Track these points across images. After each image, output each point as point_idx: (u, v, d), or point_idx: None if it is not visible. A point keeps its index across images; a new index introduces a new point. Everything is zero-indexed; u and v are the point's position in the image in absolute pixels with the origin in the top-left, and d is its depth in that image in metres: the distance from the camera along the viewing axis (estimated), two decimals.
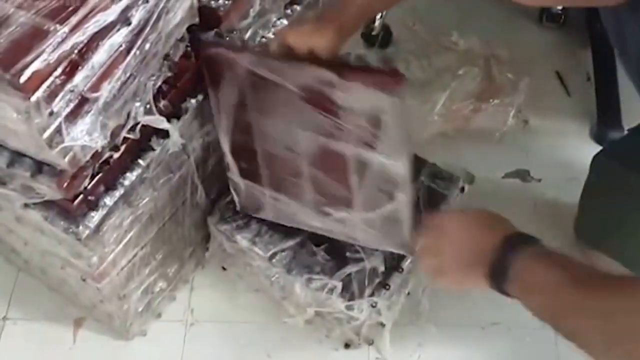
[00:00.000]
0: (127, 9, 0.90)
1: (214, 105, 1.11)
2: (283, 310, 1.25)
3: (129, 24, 0.90)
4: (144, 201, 1.10)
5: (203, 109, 1.13)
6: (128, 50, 0.92)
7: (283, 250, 1.20)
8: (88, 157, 0.95)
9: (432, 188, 1.24)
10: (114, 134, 0.98)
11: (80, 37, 0.85)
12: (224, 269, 1.35)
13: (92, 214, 1.02)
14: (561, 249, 0.84)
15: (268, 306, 1.29)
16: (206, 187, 1.23)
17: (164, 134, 1.07)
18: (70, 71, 0.85)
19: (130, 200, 1.07)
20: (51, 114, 0.85)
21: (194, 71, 1.10)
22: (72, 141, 0.90)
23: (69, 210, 1.01)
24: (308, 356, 1.27)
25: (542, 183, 1.48)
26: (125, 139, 1.01)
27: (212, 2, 1.06)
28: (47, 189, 0.96)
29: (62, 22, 0.85)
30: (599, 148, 1.46)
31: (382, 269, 1.17)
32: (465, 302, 1.30)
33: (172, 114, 1.08)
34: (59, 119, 0.87)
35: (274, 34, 1.21)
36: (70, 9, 0.86)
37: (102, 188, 1.03)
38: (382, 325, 1.21)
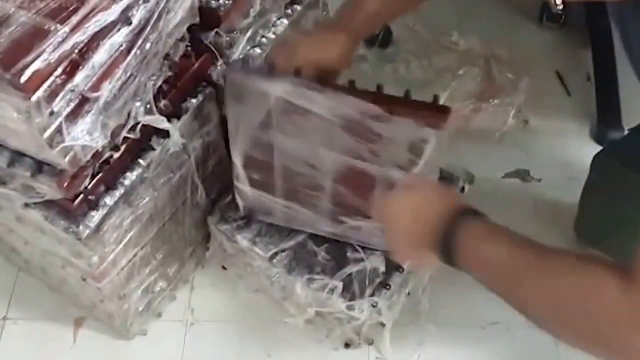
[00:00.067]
0: (128, 8, 0.90)
1: (232, 126, 1.09)
2: (283, 310, 1.25)
3: (130, 23, 0.91)
4: (144, 201, 1.10)
5: (203, 109, 1.13)
6: (128, 50, 0.92)
7: (283, 250, 1.20)
8: (88, 157, 0.95)
9: None
10: (115, 134, 0.98)
11: (81, 36, 0.85)
12: (224, 268, 1.35)
13: (93, 213, 1.03)
14: None
15: (268, 306, 1.29)
16: (206, 187, 1.23)
17: (164, 133, 1.07)
18: (71, 71, 0.85)
19: (130, 200, 1.07)
20: (51, 113, 0.85)
21: (194, 71, 1.10)
22: (72, 141, 0.90)
23: (69, 209, 1.01)
24: (308, 356, 1.27)
25: (542, 183, 1.48)
26: (125, 138, 1.01)
27: (213, 2, 1.06)
28: (47, 188, 0.96)
29: (62, 21, 0.85)
30: (599, 148, 1.46)
31: (382, 268, 1.18)
32: (465, 302, 1.30)
33: (173, 114, 1.08)
34: (60, 119, 0.87)
35: (274, 33, 1.21)
36: (71, 8, 0.86)
37: (102, 188, 1.03)
38: (383, 325, 1.21)
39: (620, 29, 1.04)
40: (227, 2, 1.07)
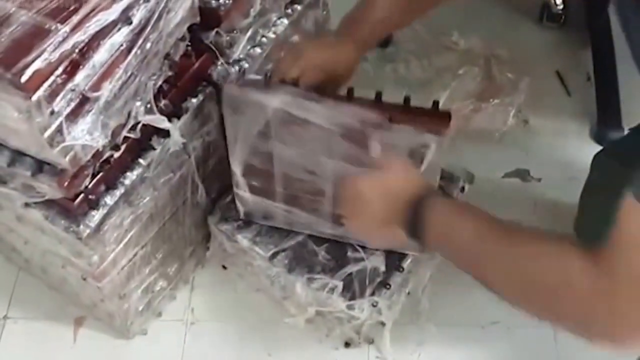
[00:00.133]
0: (128, 8, 0.90)
1: (230, 136, 1.10)
2: (284, 310, 1.25)
3: (130, 23, 0.91)
4: (145, 200, 1.10)
5: (203, 109, 1.13)
6: (129, 50, 0.92)
7: (284, 250, 1.20)
8: (89, 157, 0.95)
9: None
10: (115, 133, 0.98)
11: (82, 36, 0.85)
12: (224, 268, 1.35)
13: (93, 213, 1.03)
14: None
15: (269, 306, 1.29)
16: (207, 187, 1.23)
17: (165, 133, 1.07)
18: (71, 70, 0.86)
19: (130, 200, 1.07)
20: (52, 113, 0.85)
21: (194, 70, 1.10)
22: (73, 140, 0.90)
23: (69, 209, 1.01)
24: (308, 355, 1.27)
25: (542, 183, 1.48)
26: (125, 138, 1.01)
27: (213, 2, 1.06)
28: (47, 188, 0.96)
29: (63, 21, 0.85)
30: (599, 148, 1.45)
31: (382, 268, 1.18)
32: (465, 302, 1.30)
33: (173, 114, 1.08)
34: (60, 118, 0.87)
35: (274, 33, 1.21)
36: (72, 8, 0.86)
37: (102, 187, 1.03)
38: (383, 324, 1.21)
39: (623, 27, 1.04)
40: (227, 1, 1.07)
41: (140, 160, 1.07)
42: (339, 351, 1.27)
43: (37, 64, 0.81)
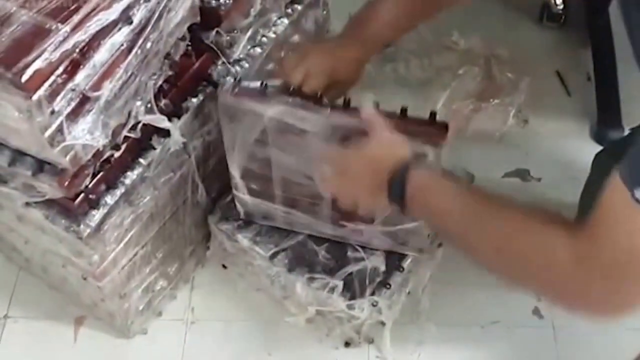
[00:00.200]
0: (129, 8, 0.90)
1: (227, 142, 1.10)
2: (284, 309, 1.26)
3: (131, 22, 0.91)
4: (145, 200, 1.10)
5: (204, 108, 1.13)
6: (129, 49, 0.92)
7: (284, 250, 1.20)
8: (89, 156, 0.95)
9: None
10: (115, 133, 0.98)
11: (82, 36, 0.85)
12: (224, 267, 1.35)
13: (93, 212, 1.03)
14: None
15: (269, 305, 1.29)
16: (207, 186, 1.23)
17: (165, 133, 1.07)
18: (72, 70, 0.86)
19: (131, 199, 1.08)
20: (52, 112, 0.85)
21: (194, 70, 1.10)
22: (73, 140, 0.90)
23: (70, 208, 1.01)
24: (309, 355, 1.27)
25: (542, 183, 1.48)
26: (126, 137, 1.01)
27: (213, 1, 1.06)
28: (48, 187, 0.96)
29: (63, 21, 0.85)
30: (599, 148, 1.46)
31: (382, 268, 1.18)
32: (465, 301, 1.30)
33: (173, 113, 1.08)
34: (61, 118, 0.87)
35: (274, 33, 1.21)
36: (72, 7, 0.86)
37: (103, 187, 1.03)
38: (383, 324, 1.21)
39: (625, 23, 1.04)
40: (227, 1, 1.07)
41: (141, 160, 1.07)
42: (339, 351, 1.27)
43: (38, 64, 0.82)
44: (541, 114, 1.57)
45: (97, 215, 1.03)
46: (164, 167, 1.11)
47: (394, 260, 1.19)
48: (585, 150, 1.39)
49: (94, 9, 0.87)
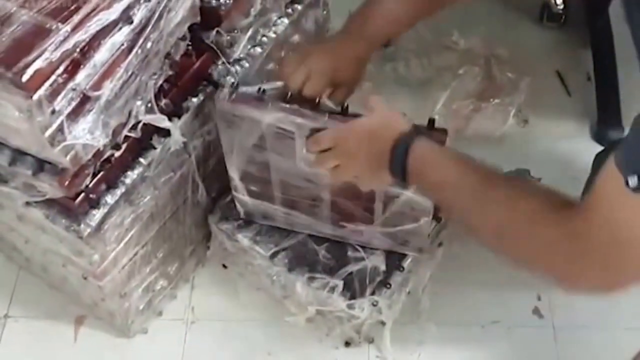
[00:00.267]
0: (129, 7, 0.90)
1: (225, 146, 1.10)
2: (284, 309, 1.26)
3: (131, 22, 0.91)
4: (145, 199, 1.10)
5: (204, 108, 1.13)
6: (130, 49, 0.92)
7: (284, 249, 1.21)
8: (89, 156, 0.95)
9: None
10: (116, 133, 0.98)
11: (82, 35, 0.85)
12: (224, 267, 1.35)
13: (94, 212, 1.03)
14: None
15: (269, 305, 1.30)
16: (207, 186, 1.23)
17: (165, 132, 1.07)
18: (72, 70, 0.86)
19: (131, 199, 1.08)
20: (53, 112, 0.85)
21: (195, 70, 1.10)
22: (73, 139, 0.90)
23: (70, 208, 1.01)
24: (309, 354, 1.27)
25: (542, 182, 1.48)
26: (126, 137, 1.01)
27: (214, 1, 1.06)
28: (48, 187, 0.96)
29: (64, 20, 0.85)
30: (599, 148, 1.46)
31: (383, 267, 1.18)
32: (466, 301, 1.30)
33: (173, 113, 1.08)
34: (61, 118, 0.87)
35: (274, 32, 1.21)
36: (72, 7, 0.86)
37: (103, 186, 1.03)
38: (383, 323, 1.21)
39: (628, 21, 1.04)
40: (227, 1, 1.07)
41: (141, 160, 1.07)
42: (339, 350, 1.27)
43: (38, 64, 0.82)
44: (541, 114, 1.57)
45: (97, 214, 1.03)
46: (164, 166, 1.11)
47: (394, 259, 1.19)
48: (585, 150, 1.40)
49: (94, 9, 0.87)
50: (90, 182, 1.00)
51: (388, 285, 1.16)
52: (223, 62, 1.13)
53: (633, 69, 1.19)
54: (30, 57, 0.81)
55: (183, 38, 1.03)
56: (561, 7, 1.71)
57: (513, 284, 1.31)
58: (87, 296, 1.24)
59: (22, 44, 0.83)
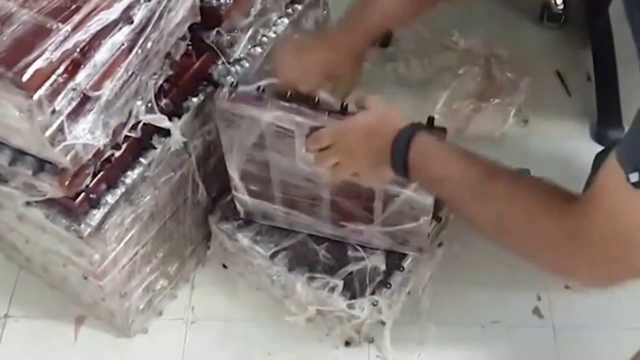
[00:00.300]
0: (129, 7, 0.90)
1: (225, 145, 1.10)
2: (284, 309, 1.26)
3: (131, 22, 0.91)
4: (145, 199, 1.10)
5: (204, 108, 1.13)
6: (130, 49, 0.92)
7: (284, 249, 1.21)
8: (90, 156, 0.95)
9: None
10: (116, 132, 0.98)
11: (83, 35, 0.85)
12: (224, 267, 1.35)
13: (94, 212, 1.03)
14: None
15: (269, 304, 1.30)
16: (207, 186, 1.23)
17: (166, 132, 1.08)
18: (73, 69, 0.86)
19: (131, 199, 1.08)
20: (53, 112, 0.85)
21: (195, 70, 1.10)
22: (74, 139, 0.90)
23: (70, 208, 1.01)
24: (309, 354, 1.27)
25: None
26: (126, 137, 1.01)
27: (214, 1, 1.06)
28: (48, 187, 0.96)
29: (64, 20, 0.85)
30: (599, 148, 1.46)
31: (383, 267, 1.18)
32: (466, 301, 1.30)
33: (174, 113, 1.08)
34: (61, 117, 0.87)
35: (274, 32, 1.21)
36: (73, 7, 0.87)
37: (103, 186, 1.03)
38: (383, 323, 1.21)
39: (629, 19, 1.04)
40: (228, 1, 1.07)
41: (141, 159, 1.07)
42: (339, 350, 1.27)
43: (39, 63, 0.82)
44: (541, 114, 1.57)
45: (97, 214, 1.03)
46: (164, 166, 1.11)
47: (394, 259, 1.19)
48: (585, 150, 1.40)
49: (94, 9, 0.87)
50: (91, 182, 1.00)
51: (388, 285, 1.16)
52: (223, 62, 1.13)
53: (633, 69, 1.19)
54: (31, 57, 0.82)
55: (183, 38, 1.03)
56: (561, 7, 1.71)
57: (513, 284, 1.32)
58: (88, 296, 1.24)
59: (22, 44, 0.83)
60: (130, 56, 0.93)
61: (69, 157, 0.91)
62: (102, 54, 0.89)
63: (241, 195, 1.18)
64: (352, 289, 1.16)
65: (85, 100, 0.89)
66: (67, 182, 0.96)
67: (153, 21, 0.94)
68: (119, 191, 1.05)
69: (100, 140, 0.94)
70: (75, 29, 0.85)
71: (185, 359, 1.27)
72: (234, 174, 1.14)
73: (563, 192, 0.78)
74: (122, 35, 0.90)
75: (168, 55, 1.02)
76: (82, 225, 1.02)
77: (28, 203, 1.02)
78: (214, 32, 1.09)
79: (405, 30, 1.64)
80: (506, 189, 0.80)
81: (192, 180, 1.20)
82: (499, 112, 1.56)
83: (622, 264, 0.72)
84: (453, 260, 1.31)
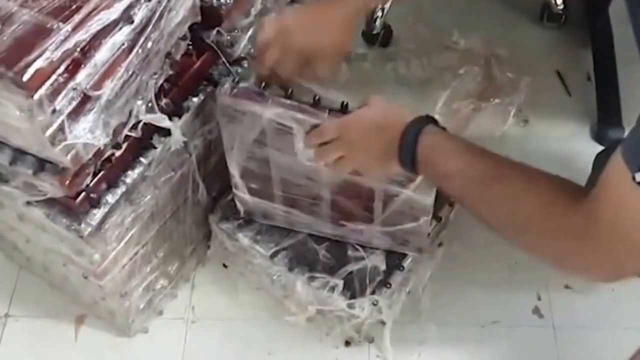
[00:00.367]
0: (130, 7, 0.90)
1: (226, 142, 1.10)
2: (284, 309, 1.26)
3: (132, 22, 0.91)
4: (146, 199, 1.10)
5: (204, 108, 1.13)
6: (130, 49, 0.93)
7: (284, 249, 1.21)
8: (90, 155, 0.95)
9: None
10: (116, 132, 0.98)
11: (83, 35, 0.85)
12: (225, 266, 1.35)
13: (94, 211, 1.03)
14: None
15: (269, 304, 1.30)
16: (207, 185, 1.24)
17: (166, 132, 1.08)
18: (73, 69, 0.86)
19: (132, 198, 1.08)
20: (54, 111, 0.85)
21: (195, 70, 1.10)
22: (74, 139, 0.90)
23: (71, 207, 1.01)
24: (309, 354, 1.27)
25: None
26: (127, 136, 1.01)
27: (214, 1, 1.06)
28: (49, 186, 0.97)
29: (65, 20, 0.85)
30: (599, 148, 1.46)
31: (383, 267, 1.18)
32: (466, 301, 1.30)
33: (174, 112, 1.08)
34: (62, 117, 0.87)
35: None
36: (73, 7, 0.87)
37: (104, 186, 1.03)
38: (383, 323, 1.21)
39: (631, 18, 1.04)
40: (228, 1, 1.07)
41: (142, 159, 1.07)
42: (340, 350, 1.27)
43: (39, 63, 0.82)
44: (541, 114, 1.57)
45: (98, 214, 1.03)
46: (164, 166, 1.11)
47: (394, 259, 1.19)
48: (585, 150, 1.40)
49: (95, 9, 0.87)
50: (91, 181, 1.00)
51: (388, 285, 1.17)
52: (223, 62, 1.13)
53: (633, 69, 1.19)
54: (31, 57, 0.82)
55: (184, 38, 1.03)
56: (561, 7, 1.71)
57: (513, 283, 1.32)
58: (88, 295, 1.25)
59: (23, 44, 0.83)
60: (131, 56, 0.93)
61: (69, 156, 0.91)
62: (103, 54, 0.89)
63: (241, 194, 1.19)
64: (352, 289, 1.16)
65: (85, 99, 0.90)
66: (67, 182, 0.96)
67: (153, 21, 0.94)
68: (120, 191, 1.05)
69: (101, 139, 0.94)
70: (75, 28, 0.85)
71: (185, 358, 1.28)
72: (234, 171, 1.14)
73: (572, 187, 0.78)
74: (122, 35, 0.90)
75: (168, 55, 1.02)
76: (83, 225, 1.02)
77: (28, 203, 1.02)
78: (215, 31, 1.09)
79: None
80: (515, 186, 0.80)
81: (193, 180, 1.20)
82: (499, 112, 1.56)
83: (628, 261, 0.73)
84: (453, 260, 1.31)
